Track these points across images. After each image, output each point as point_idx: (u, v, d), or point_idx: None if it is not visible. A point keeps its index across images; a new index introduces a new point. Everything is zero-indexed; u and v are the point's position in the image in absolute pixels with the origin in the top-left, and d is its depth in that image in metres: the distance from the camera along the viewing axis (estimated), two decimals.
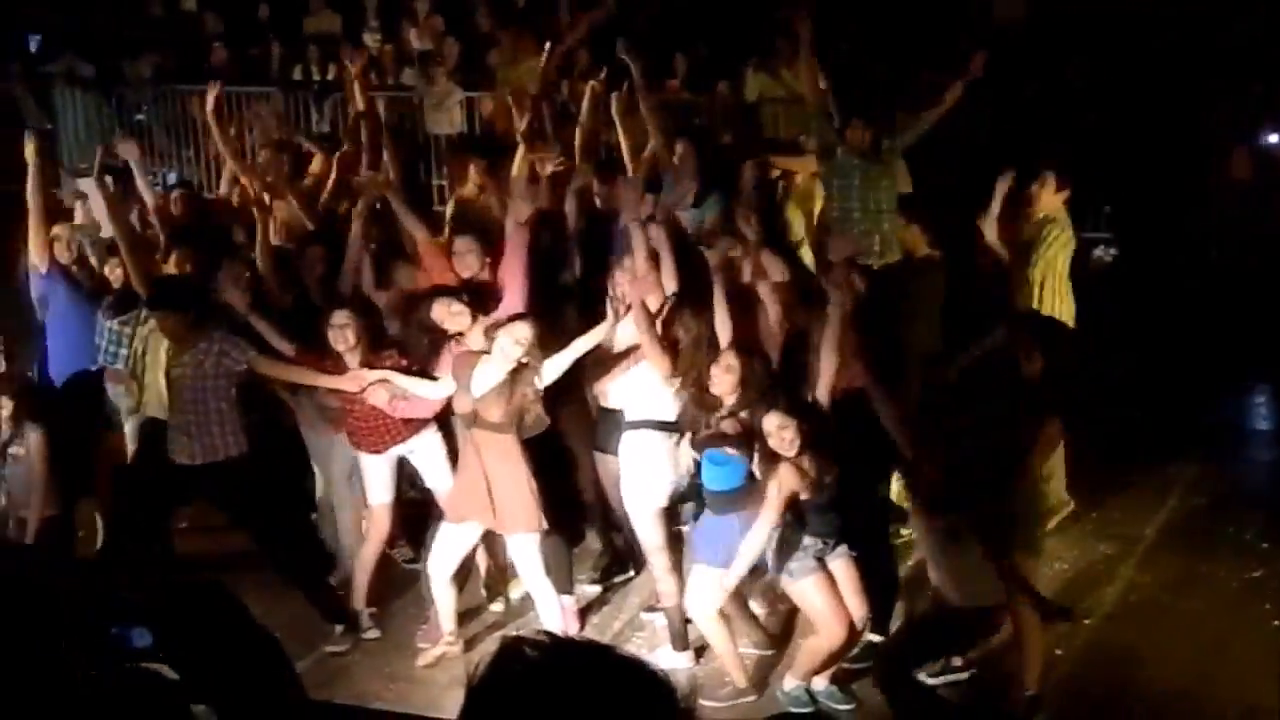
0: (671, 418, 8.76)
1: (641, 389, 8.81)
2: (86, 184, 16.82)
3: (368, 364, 9.05)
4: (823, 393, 8.21)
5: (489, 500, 8.61)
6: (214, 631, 2.65)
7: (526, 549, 8.77)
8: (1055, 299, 9.89)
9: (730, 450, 8.22)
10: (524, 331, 8.47)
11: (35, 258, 10.49)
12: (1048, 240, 9.94)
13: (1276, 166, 14.71)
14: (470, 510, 8.76)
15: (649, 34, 17.70)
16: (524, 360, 8.45)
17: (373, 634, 9.43)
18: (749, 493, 8.22)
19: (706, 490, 8.41)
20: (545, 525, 8.68)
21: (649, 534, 8.84)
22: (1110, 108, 14.83)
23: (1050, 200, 10.05)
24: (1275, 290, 12.21)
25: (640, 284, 8.77)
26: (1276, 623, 9.23)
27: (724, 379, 8.29)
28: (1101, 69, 15.37)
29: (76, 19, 20.24)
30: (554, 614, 8.78)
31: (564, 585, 9.18)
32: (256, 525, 9.28)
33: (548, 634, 1.85)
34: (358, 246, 9.72)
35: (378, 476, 9.41)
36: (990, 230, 10.04)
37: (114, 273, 10.43)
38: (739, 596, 8.69)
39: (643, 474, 8.79)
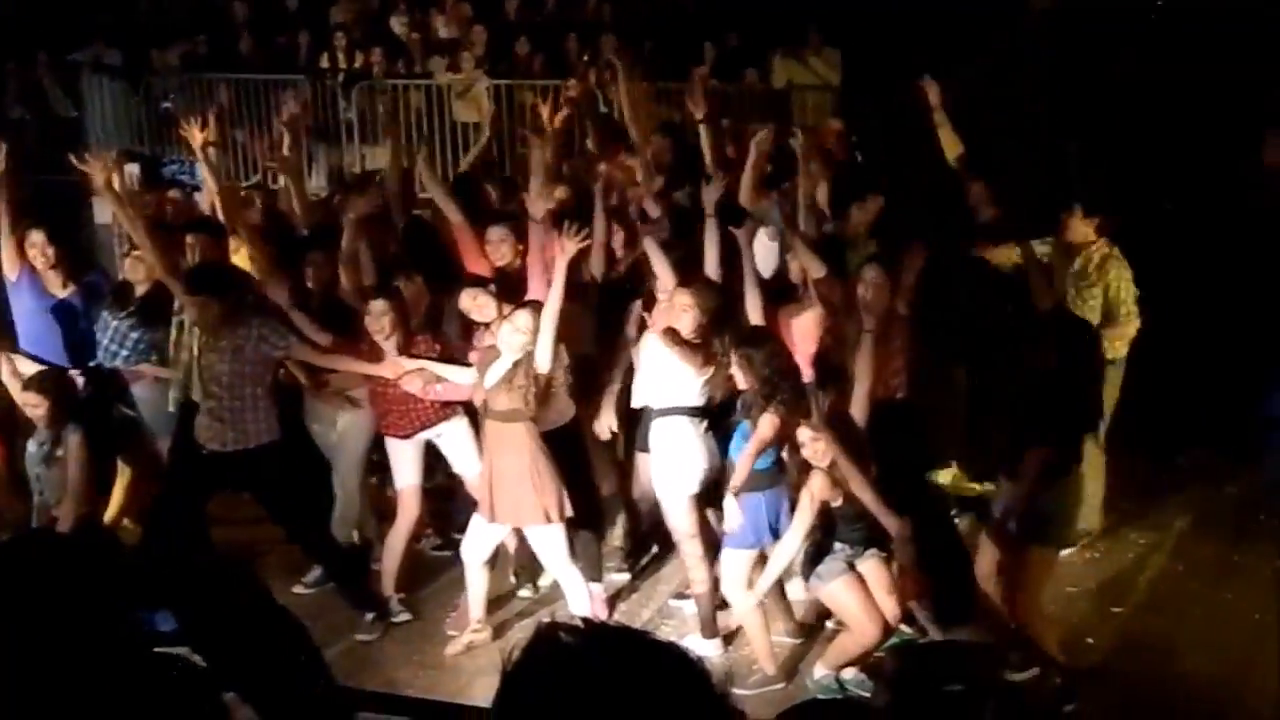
0: (700, 403, 8.72)
1: (668, 377, 8.77)
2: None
3: (404, 351, 9.04)
4: (858, 411, 8.20)
5: (488, 492, 8.65)
6: (239, 616, 2.62)
7: (546, 538, 8.75)
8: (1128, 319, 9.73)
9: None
10: (525, 321, 8.43)
11: (6, 268, 10.41)
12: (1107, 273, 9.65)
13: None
14: (479, 501, 8.85)
15: (679, 24, 17.79)
16: (529, 349, 8.44)
17: (403, 618, 9.42)
18: (777, 473, 8.29)
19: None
20: (560, 516, 8.64)
21: (681, 521, 8.80)
22: (1148, 97, 14.74)
23: (1081, 230, 9.75)
24: None
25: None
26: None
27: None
28: (1136, 57, 15.30)
29: (106, 8, 20.31)
30: (582, 601, 8.76)
31: (592, 573, 9.17)
32: (287, 512, 9.27)
33: (583, 619, 1.83)
34: (351, 248, 9.63)
35: (405, 460, 9.39)
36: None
37: (135, 270, 10.37)
38: (776, 584, 8.67)
39: (674, 460, 8.75)
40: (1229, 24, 15.50)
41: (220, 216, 10.78)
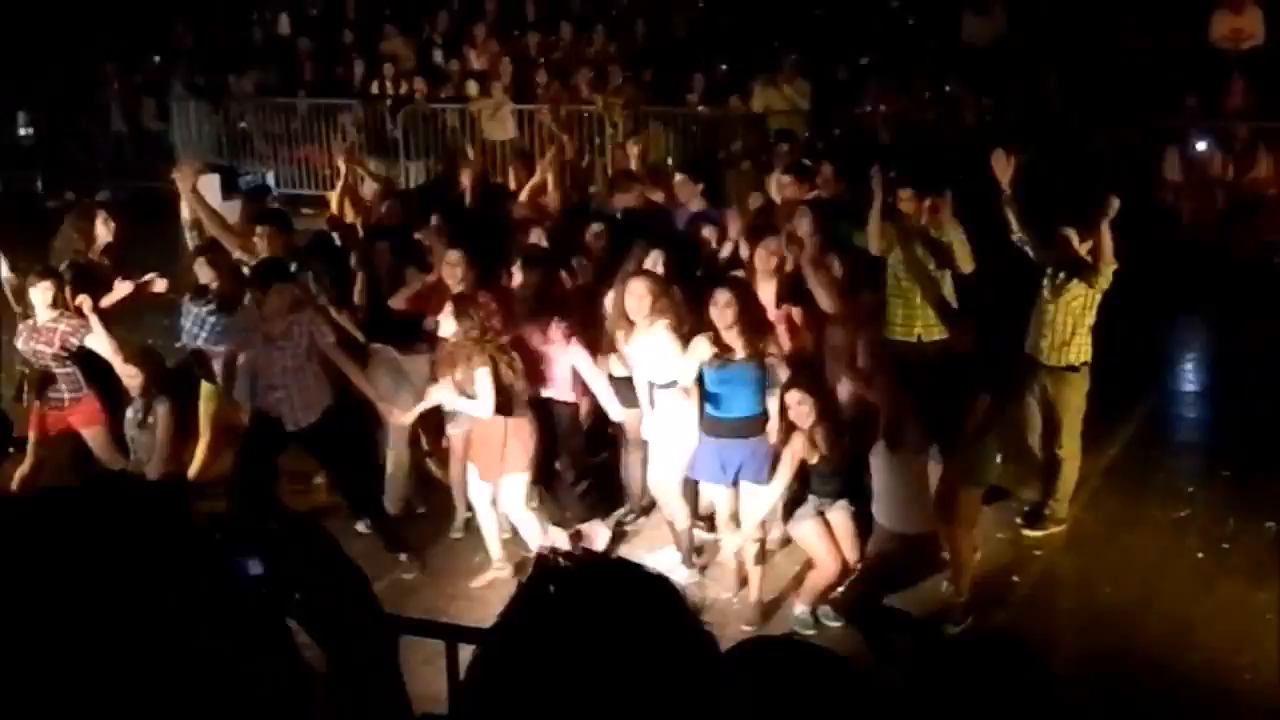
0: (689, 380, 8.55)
1: (658, 353, 8.64)
2: (205, 181, 16.98)
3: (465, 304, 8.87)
4: (841, 393, 8.27)
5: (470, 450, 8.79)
6: (313, 561, 2.63)
7: (511, 486, 8.76)
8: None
9: (735, 360, 8.18)
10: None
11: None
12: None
13: (1203, 168, 14.65)
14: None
15: (674, 56, 17.81)
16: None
17: (456, 535, 9.60)
18: (761, 423, 8.23)
19: (715, 417, 8.30)
20: (528, 465, 8.72)
21: (672, 487, 8.77)
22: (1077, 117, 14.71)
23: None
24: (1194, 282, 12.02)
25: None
26: (1200, 555, 9.20)
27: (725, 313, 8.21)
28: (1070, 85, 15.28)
29: (194, 39, 20.35)
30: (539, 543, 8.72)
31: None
32: (341, 466, 9.27)
33: (583, 550, 1.85)
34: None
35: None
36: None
37: (204, 272, 10.24)
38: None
39: (671, 434, 8.68)
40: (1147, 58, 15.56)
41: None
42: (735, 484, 8.36)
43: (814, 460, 8.05)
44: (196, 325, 10.11)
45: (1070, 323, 9.01)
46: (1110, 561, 9.02)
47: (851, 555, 8.27)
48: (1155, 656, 8.05)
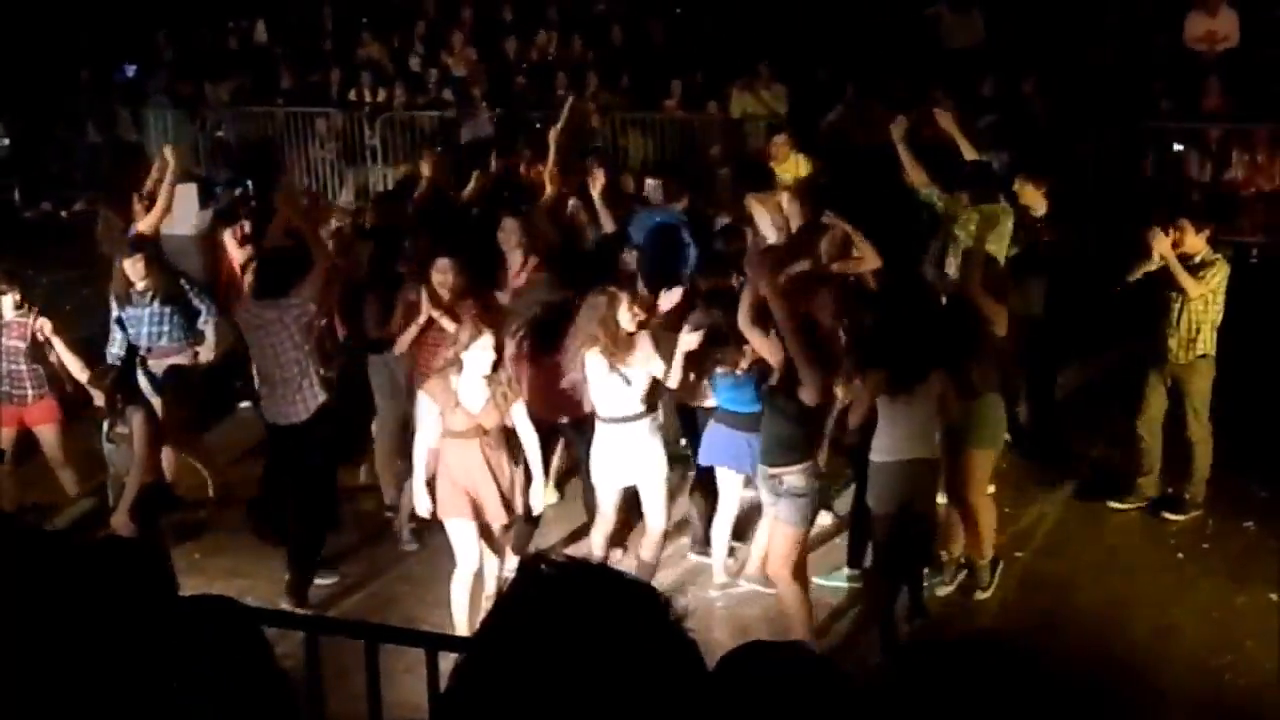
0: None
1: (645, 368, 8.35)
2: (183, 189, 16.92)
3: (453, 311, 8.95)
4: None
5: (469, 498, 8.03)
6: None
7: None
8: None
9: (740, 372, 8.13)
10: (490, 340, 7.90)
11: None
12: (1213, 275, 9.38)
13: (1177, 171, 14.70)
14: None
15: (652, 62, 17.81)
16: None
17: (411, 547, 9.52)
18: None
19: (726, 410, 8.30)
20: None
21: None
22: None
23: (1194, 242, 9.41)
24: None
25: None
26: (1180, 556, 9.24)
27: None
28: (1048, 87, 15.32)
29: (170, 48, 20.29)
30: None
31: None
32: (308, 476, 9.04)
33: (565, 555, 1.84)
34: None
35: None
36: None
37: (135, 268, 10.11)
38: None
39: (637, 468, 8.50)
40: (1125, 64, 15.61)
41: None
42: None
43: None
44: (151, 325, 10.06)
45: (1194, 320, 9.33)
46: (1091, 563, 9.05)
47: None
48: (1136, 658, 8.07)
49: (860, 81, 15.94)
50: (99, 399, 8.92)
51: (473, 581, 7.99)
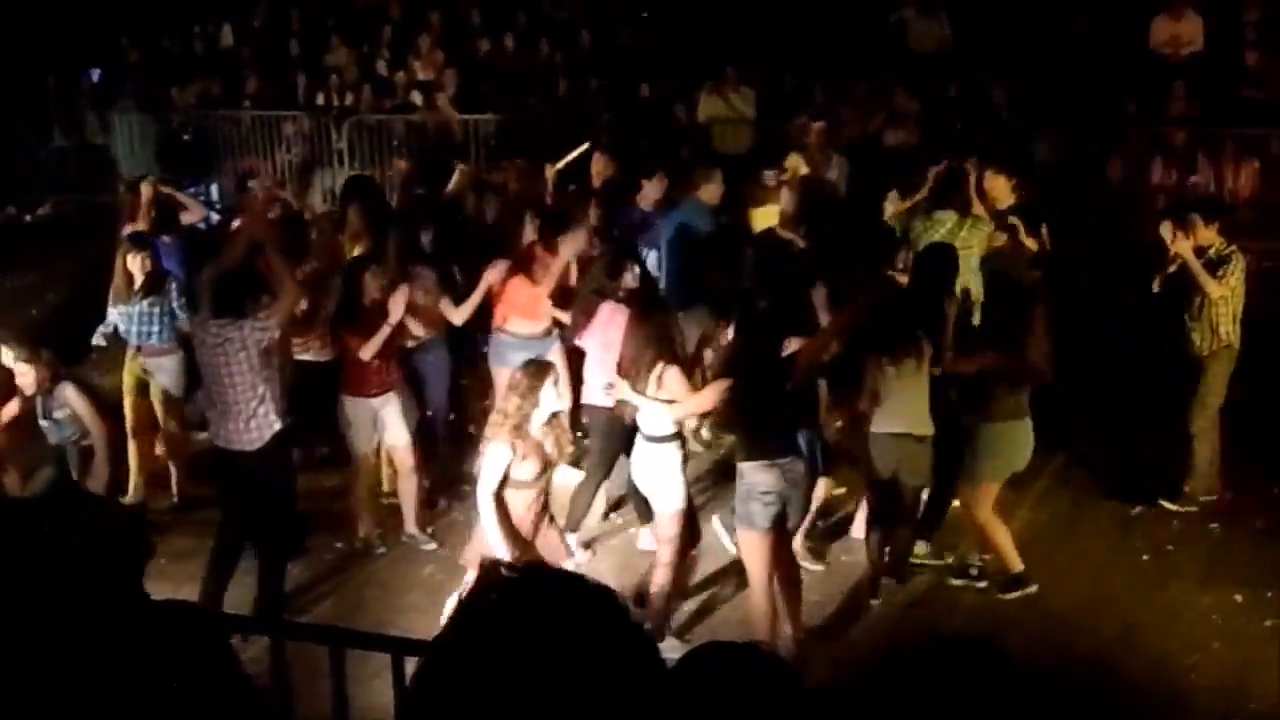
0: None
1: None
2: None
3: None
4: None
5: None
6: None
7: None
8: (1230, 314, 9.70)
9: None
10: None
11: None
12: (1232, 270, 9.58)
13: (1144, 173, 14.75)
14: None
15: (620, 66, 17.81)
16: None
17: (430, 546, 9.59)
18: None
19: None
20: None
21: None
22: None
23: (1206, 235, 9.64)
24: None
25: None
26: (1146, 557, 9.27)
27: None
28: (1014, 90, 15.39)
29: (136, 52, 20.18)
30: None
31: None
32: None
33: (527, 561, 1.83)
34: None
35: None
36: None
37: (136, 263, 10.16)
38: None
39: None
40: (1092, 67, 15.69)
41: None
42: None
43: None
44: (140, 324, 10.03)
45: (1216, 311, 9.53)
46: (1059, 564, 9.07)
47: None
48: (1103, 658, 8.10)
49: (828, 85, 16.00)
50: (23, 380, 8.71)
51: None
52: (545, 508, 7.73)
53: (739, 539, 7.99)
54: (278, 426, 8.36)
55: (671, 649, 7.81)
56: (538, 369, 7.60)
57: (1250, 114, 14.59)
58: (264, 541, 8.59)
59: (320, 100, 18.71)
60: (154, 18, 20.85)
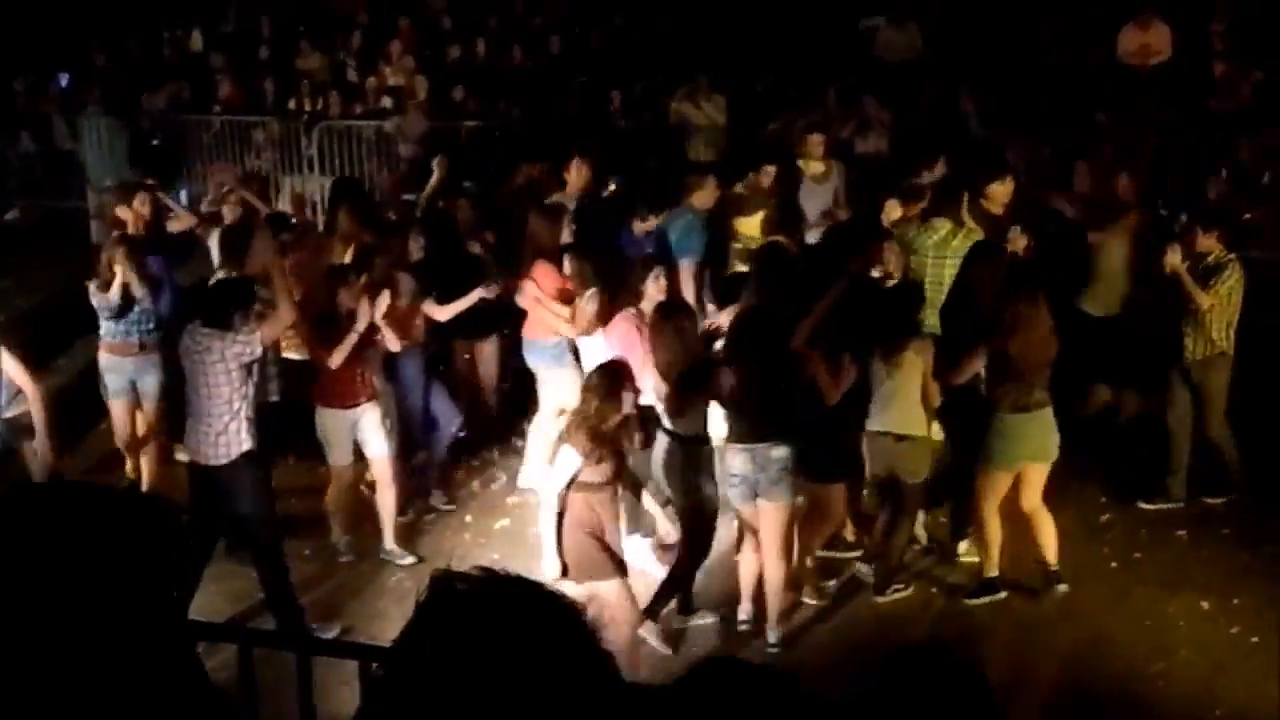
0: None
1: None
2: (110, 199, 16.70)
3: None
4: None
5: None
6: None
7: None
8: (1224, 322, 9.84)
9: None
10: None
11: None
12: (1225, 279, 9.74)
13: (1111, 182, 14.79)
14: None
15: (593, 72, 17.81)
16: None
17: (408, 560, 9.52)
18: None
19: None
20: None
21: None
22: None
23: (1206, 243, 9.79)
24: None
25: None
26: (1114, 565, 9.31)
27: None
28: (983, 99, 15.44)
29: (103, 57, 20.09)
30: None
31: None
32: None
33: (479, 568, 1.81)
34: None
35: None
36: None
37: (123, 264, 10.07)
38: None
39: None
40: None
41: None
42: None
43: None
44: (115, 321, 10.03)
45: (1209, 318, 9.68)
46: (1027, 570, 9.08)
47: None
48: (1072, 665, 8.15)
49: (799, 93, 16.03)
50: None
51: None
52: (616, 509, 7.75)
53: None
54: (248, 446, 8.27)
55: (701, 617, 8.65)
56: (614, 371, 7.69)
57: (1218, 124, 14.68)
58: (253, 552, 8.58)
59: (291, 105, 18.67)
60: (122, 22, 20.77)
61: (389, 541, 9.59)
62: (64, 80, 20.39)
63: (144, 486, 10.11)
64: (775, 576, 8.27)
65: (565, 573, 7.46)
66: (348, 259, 10.36)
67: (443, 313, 10.29)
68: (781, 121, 15.06)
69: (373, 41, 19.58)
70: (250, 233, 10.24)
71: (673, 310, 8.60)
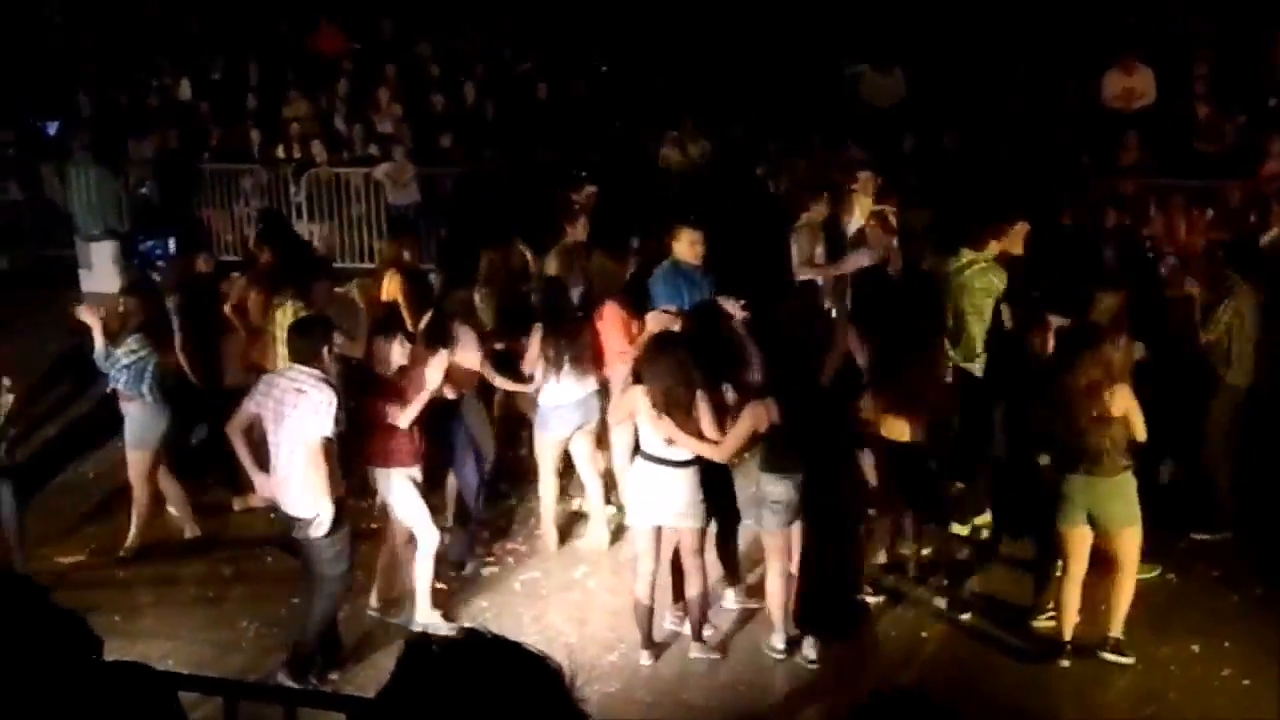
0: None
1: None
2: (98, 247, 16.79)
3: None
4: None
5: None
6: None
7: None
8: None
9: None
10: None
11: None
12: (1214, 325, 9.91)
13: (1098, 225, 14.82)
14: None
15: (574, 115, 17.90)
16: None
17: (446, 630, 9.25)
18: None
19: None
20: None
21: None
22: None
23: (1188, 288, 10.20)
24: None
25: None
26: (1103, 607, 9.24)
27: None
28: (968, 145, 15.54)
29: (91, 105, 20.12)
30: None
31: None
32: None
33: (461, 629, 1.81)
34: None
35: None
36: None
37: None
38: None
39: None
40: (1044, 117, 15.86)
41: None
42: None
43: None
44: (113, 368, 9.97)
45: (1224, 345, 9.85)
46: (1016, 613, 9.04)
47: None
48: (1061, 710, 8.11)
49: (781, 138, 16.13)
50: None
51: None
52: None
53: (763, 540, 8.67)
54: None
55: (700, 650, 8.79)
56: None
57: (1202, 166, 14.76)
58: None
59: (280, 153, 18.71)
60: (110, 70, 20.83)
61: (423, 612, 9.08)
62: (52, 129, 20.42)
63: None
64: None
65: None
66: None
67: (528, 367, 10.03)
68: (773, 168, 15.10)
69: (360, 89, 19.63)
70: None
71: (671, 342, 8.62)
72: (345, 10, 21.56)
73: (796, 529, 8.53)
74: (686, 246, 10.51)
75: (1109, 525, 8.32)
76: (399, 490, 8.85)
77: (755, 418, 8.21)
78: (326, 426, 8.00)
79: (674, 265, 10.59)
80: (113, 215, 17.57)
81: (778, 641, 8.68)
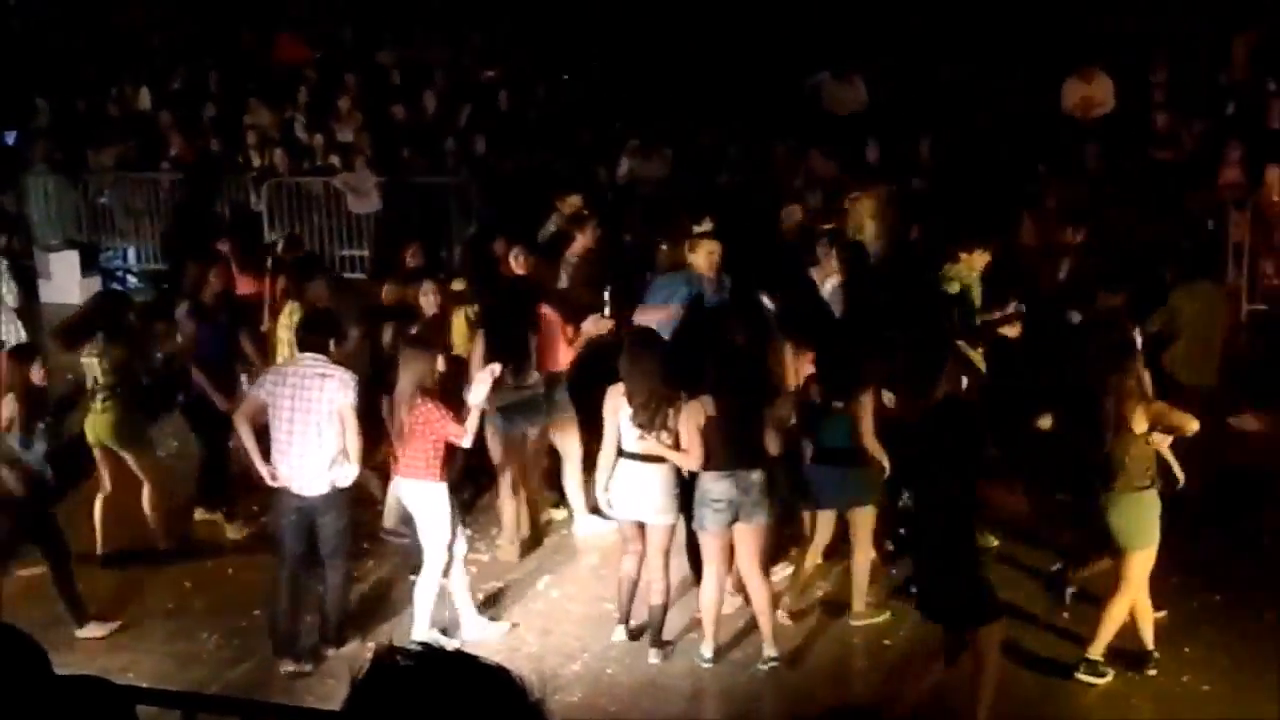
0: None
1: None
2: (57, 258, 16.69)
3: None
4: None
5: None
6: None
7: None
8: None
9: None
10: None
11: None
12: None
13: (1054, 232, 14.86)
14: None
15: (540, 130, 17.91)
16: None
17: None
18: None
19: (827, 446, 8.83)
20: None
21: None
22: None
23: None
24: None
25: None
26: (1066, 615, 9.27)
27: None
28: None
29: (50, 115, 19.99)
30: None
31: None
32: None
33: (421, 644, 1.81)
34: None
35: None
36: None
37: None
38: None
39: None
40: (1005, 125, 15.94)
41: None
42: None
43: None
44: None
45: None
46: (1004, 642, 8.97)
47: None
48: (1023, 715, 8.10)
49: (745, 146, 16.16)
50: None
51: None
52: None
53: (701, 541, 8.62)
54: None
55: (656, 656, 8.75)
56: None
57: (1160, 173, 14.86)
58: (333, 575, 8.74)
59: (241, 161, 18.64)
60: (68, 79, 20.70)
61: (474, 628, 9.10)
62: (9, 138, 20.31)
63: None
64: (760, 596, 8.59)
65: None
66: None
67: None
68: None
69: (321, 98, 19.58)
70: None
71: (651, 339, 8.74)
72: (306, 19, 21.52)
73: (751, 528, 8.39)
74: (704, 257, 10.47)
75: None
76: (432, 504, 8.77)
77: (692, 415, 8.25)
78: (354, 398, 8.32)
79: (684, 274, 10.59)
80: (71, 225, 17.49)
81: (705, 650, 8.62)
